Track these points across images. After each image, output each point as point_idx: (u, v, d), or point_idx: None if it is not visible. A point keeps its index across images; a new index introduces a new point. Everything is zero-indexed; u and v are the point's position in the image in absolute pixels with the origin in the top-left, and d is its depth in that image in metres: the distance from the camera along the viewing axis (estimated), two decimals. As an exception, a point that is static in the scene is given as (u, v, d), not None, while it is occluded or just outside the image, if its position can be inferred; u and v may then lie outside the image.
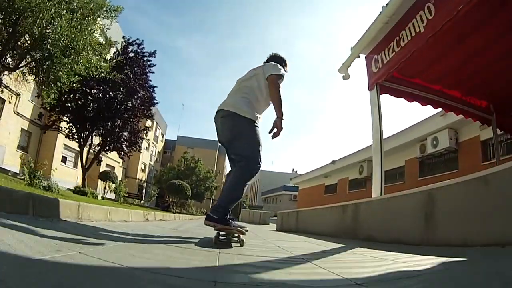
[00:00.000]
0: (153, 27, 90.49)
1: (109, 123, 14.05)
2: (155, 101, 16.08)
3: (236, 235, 2.62)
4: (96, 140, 15.50)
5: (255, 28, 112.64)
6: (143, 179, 36.74)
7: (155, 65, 15.26)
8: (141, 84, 14.51)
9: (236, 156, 2.76)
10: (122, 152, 15.64)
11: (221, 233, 2.61)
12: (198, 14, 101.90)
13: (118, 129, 14.62)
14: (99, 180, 20.63)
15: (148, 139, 35.59)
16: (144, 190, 35.55)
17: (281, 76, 2.83)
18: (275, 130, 2.67)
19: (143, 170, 36.62)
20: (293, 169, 60.89)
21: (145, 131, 16.82)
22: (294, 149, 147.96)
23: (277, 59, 3.09)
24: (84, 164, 14.29)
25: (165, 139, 47.02)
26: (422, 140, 13.27)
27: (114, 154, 19.06)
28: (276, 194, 51.07)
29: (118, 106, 13.98)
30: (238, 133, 2.74)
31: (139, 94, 14.50)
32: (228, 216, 2.61)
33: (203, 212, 37.86)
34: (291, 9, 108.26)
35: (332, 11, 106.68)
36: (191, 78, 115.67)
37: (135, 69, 14.26)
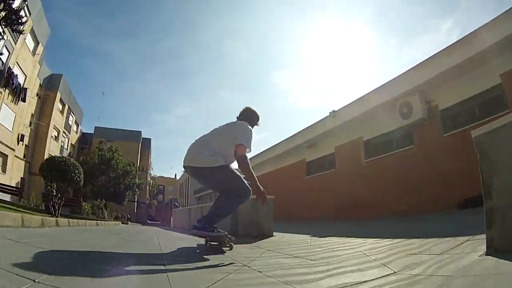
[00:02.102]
0: (85, 30, 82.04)
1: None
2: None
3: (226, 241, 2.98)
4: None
5: (185, 30, 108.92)
6: None
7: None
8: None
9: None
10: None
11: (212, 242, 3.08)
12: (129, 17, 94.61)
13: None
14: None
15: (57, 128, 29.09)
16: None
17: (248, 150, 2.94)
18: (261, 200, 2.90)
19: None
20: None
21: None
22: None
23: (250, 118, 3.27)
24: None
25: (83, 132, 39.96)
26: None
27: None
28: (212, 191, 46.44)
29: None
30: (217, 181, 2.96)
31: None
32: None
33: (125, 217, 32.37)
34: (221, 11, 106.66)
35: (263, 12, 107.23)
36: (120, 81, 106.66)
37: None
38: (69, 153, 32.72)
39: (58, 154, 30.60)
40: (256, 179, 2.85)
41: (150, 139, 54.44)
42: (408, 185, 9.60)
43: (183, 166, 3.05)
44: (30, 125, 24.69)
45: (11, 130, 19.63)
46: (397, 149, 10.71)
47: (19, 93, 20.54)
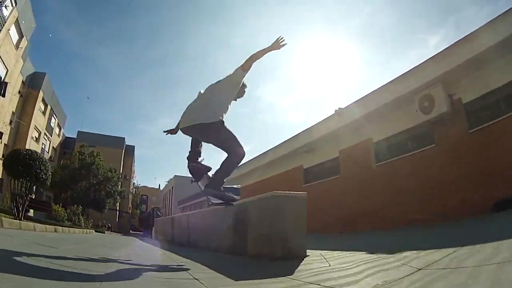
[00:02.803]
0: (73, 34, 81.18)
1: None
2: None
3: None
4: None
5: (174, 37, 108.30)
6: None
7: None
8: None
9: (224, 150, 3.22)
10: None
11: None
12: (118, 24, 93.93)
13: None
14: None
15: (38, 129, 27.38)
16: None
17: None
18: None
19: None
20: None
21: None
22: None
23: None
24: None
25: (66, 137, 38.08)
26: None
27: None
28: (198, 201, 42.98)
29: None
30: (215, 138, 3.18)
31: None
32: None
33: (106, 226, 30.28)
34: (208, 20, 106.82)
35: (249, 22, 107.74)
36: (106, 87, 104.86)
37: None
38: (50, 156, 30.84)
39: (38, 157, 29.07)
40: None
41: (133, 146, 53.01)
42: (430, 189, 8.69)
43: (182, 128, 3.21)
44: (10, 123, 23.01)
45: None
46: (415, 150, 9.80)
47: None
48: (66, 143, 37.32)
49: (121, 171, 38.96)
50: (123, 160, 45.00)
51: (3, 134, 21.19)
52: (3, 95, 19.64)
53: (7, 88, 19.94)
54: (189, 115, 3.16)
